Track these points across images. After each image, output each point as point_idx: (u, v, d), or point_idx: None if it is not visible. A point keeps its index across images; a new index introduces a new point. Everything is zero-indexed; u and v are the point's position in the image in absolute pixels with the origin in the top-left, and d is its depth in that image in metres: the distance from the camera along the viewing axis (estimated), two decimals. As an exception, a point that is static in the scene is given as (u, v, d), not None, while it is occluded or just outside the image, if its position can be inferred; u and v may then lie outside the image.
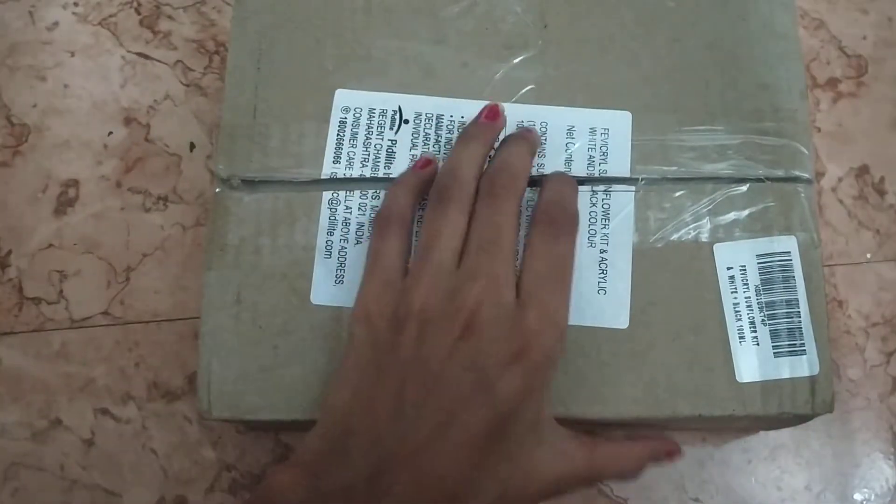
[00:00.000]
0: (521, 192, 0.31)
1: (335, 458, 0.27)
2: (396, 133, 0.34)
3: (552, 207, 0.30)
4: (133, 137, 0.44)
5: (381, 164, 0.33)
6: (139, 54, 0.45)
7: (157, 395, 0.41)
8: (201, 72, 0.45)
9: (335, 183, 0.33)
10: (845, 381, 0.42)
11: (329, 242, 0.33)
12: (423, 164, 0.32)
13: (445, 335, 0.27)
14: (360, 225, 0.33)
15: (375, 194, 0.33)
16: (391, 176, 0.33)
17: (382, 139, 0.34)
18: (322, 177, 0.33)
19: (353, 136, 0.34)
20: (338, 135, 0.34)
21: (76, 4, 0.46)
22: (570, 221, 0.30)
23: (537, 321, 0.27)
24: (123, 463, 0.40)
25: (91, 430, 0.41)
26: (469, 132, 0.32)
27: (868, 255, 0.44)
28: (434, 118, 0.34)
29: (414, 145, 0.34)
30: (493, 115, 0.32)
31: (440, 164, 0.32)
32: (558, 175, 0.32)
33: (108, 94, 0.45)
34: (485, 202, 0.29)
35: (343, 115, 0.34)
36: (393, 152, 0.34)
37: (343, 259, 0.33)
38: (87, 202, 0.43)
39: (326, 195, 0.33)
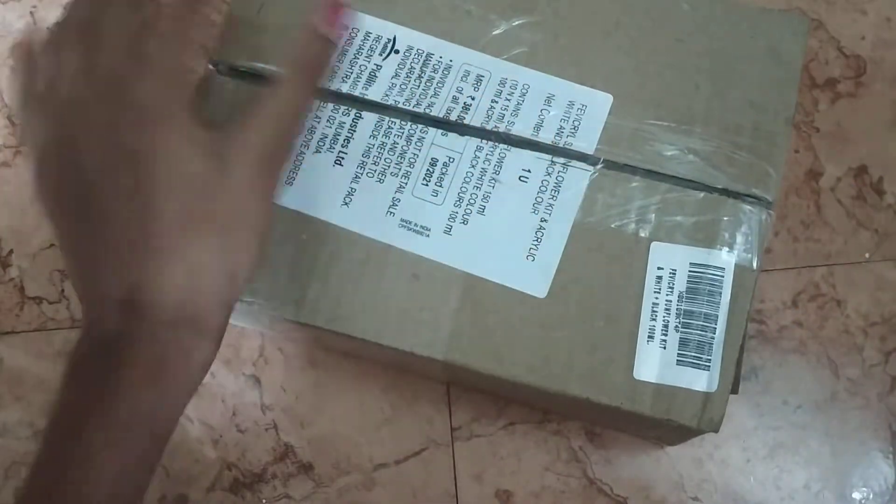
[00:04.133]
0: None
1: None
2: (384, 59, 0.35)
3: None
4: (134, 137, 0.44)
5: (360, 85, 0.34)
6: (140, 54, 0.46)
7: (158, 394, 0.41)
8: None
9: None
10: (844, 380, 0.42)
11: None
12: None
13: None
14: (324, 136, 0.34)
15: (346, 111, 0.34)
16: (367, 97, 0.34)
17: (369, 62, 0.35)
18: None
19: (343, 52, 0.35)
20: None
21: (77, 5, 0.46)
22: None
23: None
24: (125, 462, 0.41)
25: (92, 429, 0.41)
26: None
27: (866, 255, 0.44)
28: (424, 55, 0.35)
29: (397, 75, 0.34)
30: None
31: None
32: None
33: (110, 94, 0.45)
34: None
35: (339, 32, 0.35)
36: (375, 77, 0.34)
37: (299, 163, 0.34)
38: (89, 202, 0.43)
39: None
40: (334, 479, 0.41)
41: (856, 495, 0.41)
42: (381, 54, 0.35)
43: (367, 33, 0.35)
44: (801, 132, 0.45)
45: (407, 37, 0.35)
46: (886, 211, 0.44)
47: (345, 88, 0.34)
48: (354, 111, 0.34)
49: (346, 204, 0.33)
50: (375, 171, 0.33)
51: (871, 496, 0.41)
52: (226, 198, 0.27)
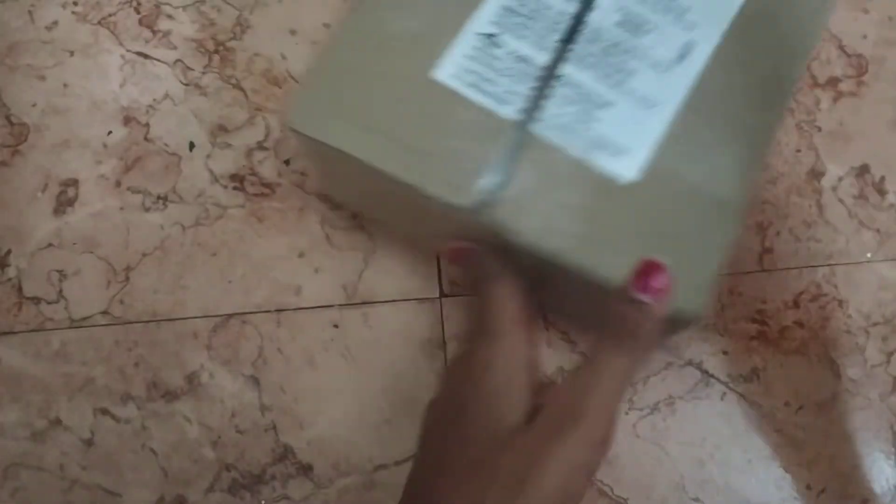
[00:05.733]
0: None
1: None
2: None
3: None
4: (132, 137, 0.44)
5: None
6: (138, 53, 0.45)
7: (156, 394, 0.41)
8: (201, 71, 0.45)
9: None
10: (846, 380, 0.42)
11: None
12: None
13: None
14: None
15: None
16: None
17: None
18: None
19: None
20: None
21: (75, 4, 0.46)
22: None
23: None
24: (123, 463, 0.40)
25: (91, 430, 0.41)
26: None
27: (868, 255, 0.44)
28: None
29: None
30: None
31: None
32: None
33: (108, 93, 0.45)
34: None
35: None
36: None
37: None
38: (87, 202, 0.43)
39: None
40: (334, 480, 0.41)
41: (858, 496, 0.41)
42: None
43: None
44: (803, 131, 0.45)
45: None
46: (888, 210, 0.44)
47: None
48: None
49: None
50: None
51: (873, 497, 0.41)
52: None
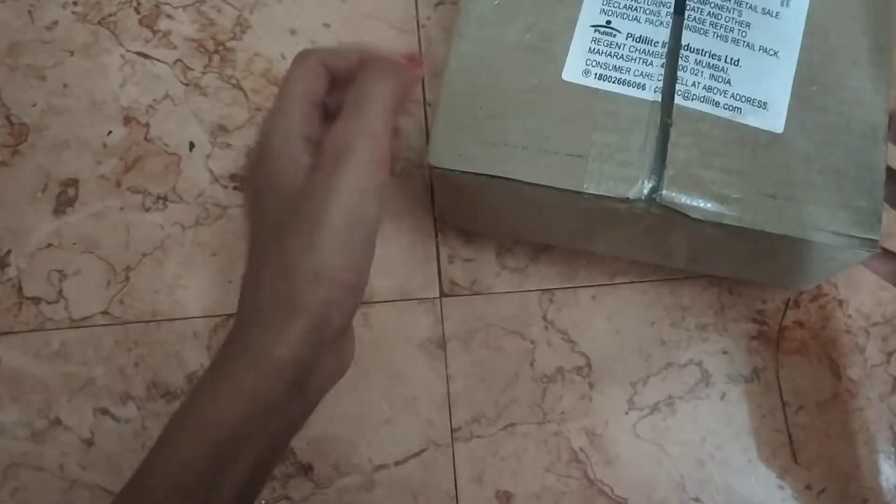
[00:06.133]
0: None
1: None
2: None
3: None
4: (132, 137, 0.44)
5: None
6: (138, 53, 0.45)
7: (156, 394, 0.41)
8: (201, 71, 0.45)
9: None
10: (846, 380, 0.42)
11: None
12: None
13: None
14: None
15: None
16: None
17: None
18: None
19: None
20: None
21: (75, 3, 0.46)
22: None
23: None
24: (123, 463, 0.40)
25: (91, 430, 0.41)
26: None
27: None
28: None
29: None
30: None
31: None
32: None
33: (108, 93, 0.45)
34: None
35: None
36: None
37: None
38: (87, 202, 0.43)
39: None
40: (334, 480, 0.41)
41: (858, 496, 0.41)
42: None
43: None
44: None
45: None
46: (888, 210, 0.44)
47: None
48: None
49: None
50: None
51: (873, 497, 0.41)
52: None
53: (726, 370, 0.42)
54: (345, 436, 0.41)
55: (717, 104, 0.33)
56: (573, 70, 0.33)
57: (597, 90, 0.33)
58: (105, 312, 0.42)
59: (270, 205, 0.30)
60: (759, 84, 0.33)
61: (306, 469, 0.41)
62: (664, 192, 0.31)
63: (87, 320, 0.42)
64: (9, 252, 0.43)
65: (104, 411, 0.41)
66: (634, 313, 0.43)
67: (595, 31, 0.34)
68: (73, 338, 0.42)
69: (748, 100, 0.33)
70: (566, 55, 0.34)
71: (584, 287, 0.43)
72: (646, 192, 0.32)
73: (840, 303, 0.43)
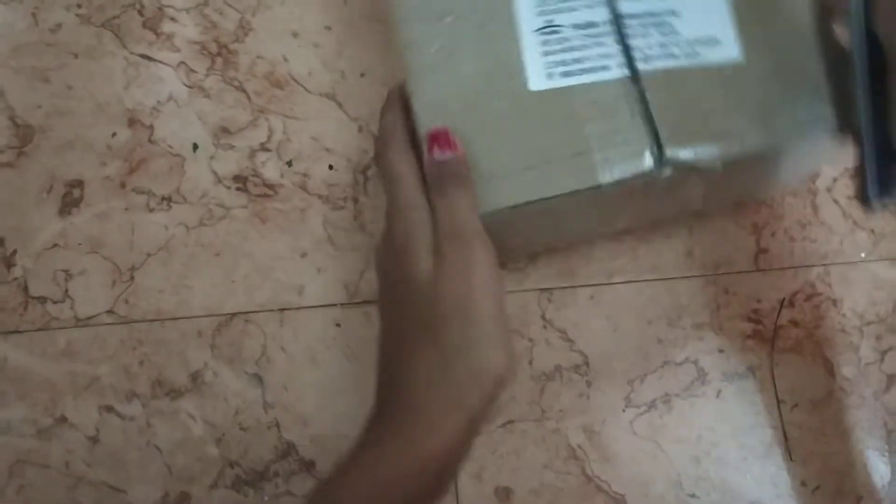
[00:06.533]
0: None
1: None
2: None
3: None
4: (137, 138, 0.45)
5: None
6: (142, 56, 0.46)
7: (161, 392, 0.42)
8: (204, 73, 0.45)
9: None
10: (840, 378, 0.43)
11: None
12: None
13: None
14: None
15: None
16: None
17: None
18: None
19: None
20: None
21: (79, 6, 0.46)
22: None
23: None
24: (128, 460, 0.41)
25: (96, 428, 0.41)
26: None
27: (862, 255, 0.44)
28: None
29: None
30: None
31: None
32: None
33: (112, 95, 0.45)
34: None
35: None
36: None
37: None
38: (92, 202, 0.44)
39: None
40: (336, 476, 0.41)
41: (852, 493, 0.42)
42: None
43: None
44: (798, 133, 0.46)
45: None
46: (882, 210, 0.45)
47: None
48: None
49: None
50: None
51: (867, 494, 0.42)
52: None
53: (722, 368, 0.43)
54: (347, 432, 0.42)
55: (675, 56, 0.34)
56: (537, 78, 0.34)
57: (568, 87, 0.33)
58: (110, 312, 0.42)
59: (403, 293, 0.31)
60: (703, 24, 0.35)
61: (309, 465, 0.41)
62: (668, 152, 0.32)
63: (93, 319, 0.42)
64: (15, 252, 0.43)
65: (109, 409, 0.42)
66: (632, 312, 0.43)
67: (540, 34, 0.34)
68: (78, 337, 0.42)
69: (699, 41, 0.34)
70: (524, 67, 0.34)
71: (582, 286, 0.43)
72: (654, 158, 0.32)
73: (834, 302, 0.44)
